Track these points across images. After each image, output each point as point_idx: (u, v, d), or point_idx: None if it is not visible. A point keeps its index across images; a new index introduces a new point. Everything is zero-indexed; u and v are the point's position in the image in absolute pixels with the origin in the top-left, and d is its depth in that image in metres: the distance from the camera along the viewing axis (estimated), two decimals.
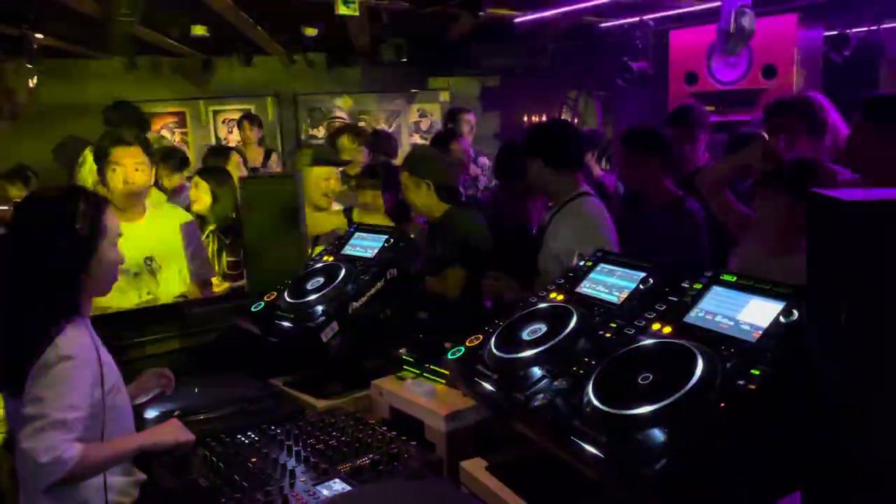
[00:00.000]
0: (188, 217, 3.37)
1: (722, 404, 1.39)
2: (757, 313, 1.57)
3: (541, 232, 3.04)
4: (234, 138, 8.81)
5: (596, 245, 2.63)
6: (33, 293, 1.83)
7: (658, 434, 1.38)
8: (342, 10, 5.22)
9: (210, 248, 3.87)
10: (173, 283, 3.17)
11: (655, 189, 3.34)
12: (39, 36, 5.85)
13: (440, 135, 5.27)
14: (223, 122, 8.82)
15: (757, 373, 1.42)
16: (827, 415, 1.32)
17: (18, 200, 2.05)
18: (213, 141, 8.79)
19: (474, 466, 1.93)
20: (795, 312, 1.51)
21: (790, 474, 1.45)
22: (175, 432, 1.99)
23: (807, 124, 3.25)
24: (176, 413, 2.32)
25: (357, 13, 5.28)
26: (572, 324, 1.80)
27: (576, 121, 8.53)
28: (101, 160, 3.02)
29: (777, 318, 1.53)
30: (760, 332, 1.53)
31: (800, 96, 3.88)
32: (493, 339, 1.88)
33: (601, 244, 2.68)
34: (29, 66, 6.34)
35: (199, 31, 6.80)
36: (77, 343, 1.81)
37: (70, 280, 1.84)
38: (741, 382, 1.42)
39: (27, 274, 1.83)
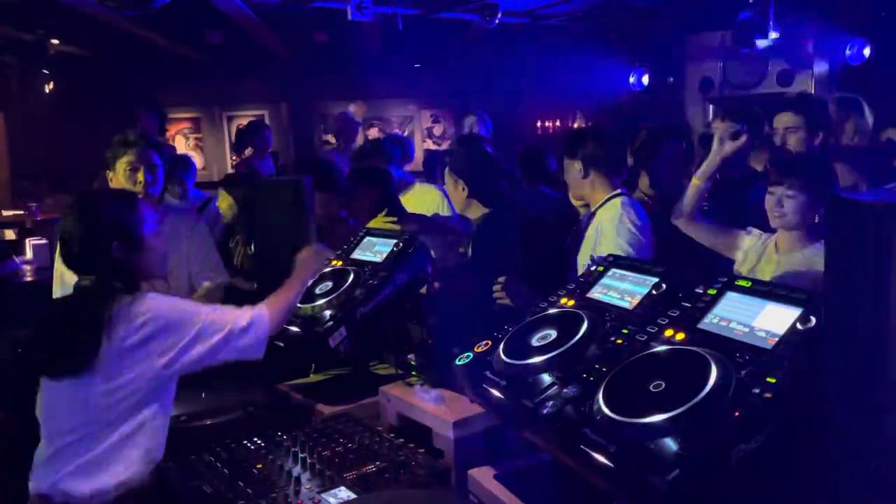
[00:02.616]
0: (199, 220, 3.36)
1: (737, 413, 1.35)
2: (773, 319, 1.53)
3: (577, 232, 3.05)
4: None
5: (636, 243, 2.68)
6: (103, 277, 1.97)
7: (670, 443, 1.34)
8: (355, 15, 5.23)
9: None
10: (184, 287, 3.15)
11: None
12: (55, 41, 5.89)
13: None
14: (237, 127, 8.86)
15: (773, 381, 1.38)
16: (840, 424, 1.27)
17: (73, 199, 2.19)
18: (227, 146, 8.84)
19: (482, 474, 1.90)
20: (813, 319, 1.46)
21: (806, 485, 1.41)
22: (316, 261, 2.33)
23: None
24: (182, 419, 2.30)
25: (370, 19, 5.29)
26: (583, 330, 1.76)
27: (590, 125, 8.49)
28: (113, 163, 3.01)
29: (794, 325, 1.49)
30: (776, 338, 1.49)
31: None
32: (501, 346, 1.85)
33: (640, 243, 2.71)
34: (45, 71, 6.39)
35: (213, 37, 6.86)
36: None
37: (129, 266, 1.99)
38: (756, 391, 1.38)
39: (98, 262, 1.97)
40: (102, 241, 1.95)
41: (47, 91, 6.93)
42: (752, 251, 2.53)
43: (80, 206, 2.07)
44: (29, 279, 5.25)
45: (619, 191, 2.97)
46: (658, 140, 3.52)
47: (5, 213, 7.27)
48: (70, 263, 2.03)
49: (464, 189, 3.22)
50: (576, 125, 8.78)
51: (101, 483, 1.86)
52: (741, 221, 2.70)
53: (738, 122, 2.87)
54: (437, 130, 9.09)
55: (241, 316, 1.98)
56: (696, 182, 2.68)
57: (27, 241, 5.96)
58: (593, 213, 2.98)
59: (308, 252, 2.37)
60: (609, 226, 2.82)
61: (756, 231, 2.57)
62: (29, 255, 5.76)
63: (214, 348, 1.91)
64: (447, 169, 3.30)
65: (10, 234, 6.70)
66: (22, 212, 6.69)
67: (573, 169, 3.00)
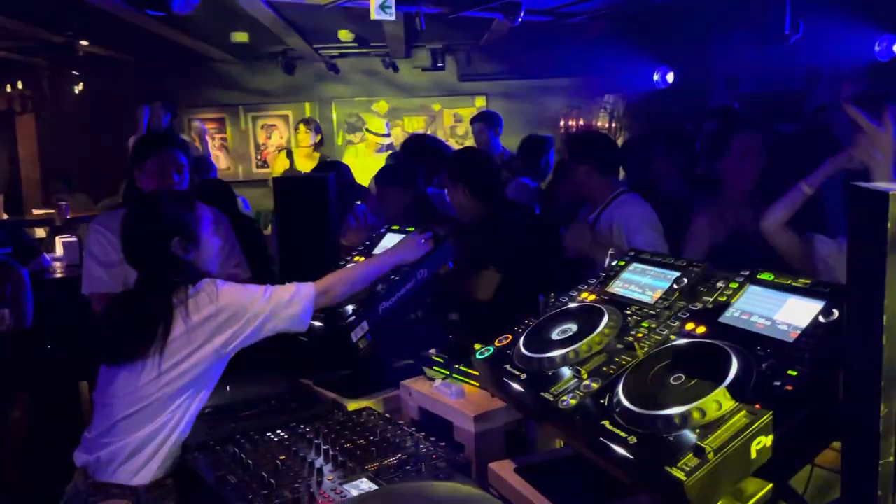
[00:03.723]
0: (222, 217, 3.40)
1: (757, 405, 1.34)
2: (795, 313, 1.52)
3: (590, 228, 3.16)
4: (272, 143, 8.93)
5: (655, 232, 2.90)
6: (165, 273, 2.09)
7: (690, 436, 1.34)
8: (378, 14, 5.24)
9: None
10: None
11: None
12: (84, 43, 5.99)
13: None
14: (262, 127, 8.94)
15: (794, 374, 1.38)
16: (862, 417, 1.26)
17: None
18: (252, 146, 8.92)
19: (503, 468, 1.91)
20: (835, 311, 1.45)
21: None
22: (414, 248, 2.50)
23: None
24: (207, 410, 2.34)
25: (393, 17, 5.30)
26: (603, 324, 1.76)
27: (614, 125, 8.44)
28: (142, 161, 3.06)
29: (816, 318, 1.48)
30: (798, 331, 1.48)
31: None
32: (522, 339, 1.85)
33: (659, 232, 2.91)
34: (74, 72, 6.50)
35: (239, 37, 6.91)
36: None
37: (186, 263, 2.11)
38: (777, 383, 1.37)
39: (158, 259, 2.10)
40: (163, 239, 2.07)
41: (77, 92, 7.05)
42: (830, 257, 2.39)
43: (143, 207, 2.23)
44: (58, 276, 5.35)
45: (622, 188, 3.20)
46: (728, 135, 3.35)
47: (36, 211, 7.42)
48: (131, 260, 2.14)
49: (464, 190, 3.25)
50: (598, 123, 8.75)
51: (140, 464, 2.00)
52: (820, 227, 2.54)
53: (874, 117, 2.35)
54: (461, 130, 9.08)
55: (286, 289, 2.15)
56: (805, 191, 2.45)
57: (57, 238, 6.07)
58: (603, 209, 3.14)
59: (408, 239, 2.55)
60: (625, 221, 2.90)
61: (821, 236, 2.44)
62: (59, 252, 5.87)
63: (262, 323, 2.08)
64: (447, 173, 3.35)
65: (40, 232, 6.83)
66: (52, 210, 6.82)
67: (578, 170, 3.20)
